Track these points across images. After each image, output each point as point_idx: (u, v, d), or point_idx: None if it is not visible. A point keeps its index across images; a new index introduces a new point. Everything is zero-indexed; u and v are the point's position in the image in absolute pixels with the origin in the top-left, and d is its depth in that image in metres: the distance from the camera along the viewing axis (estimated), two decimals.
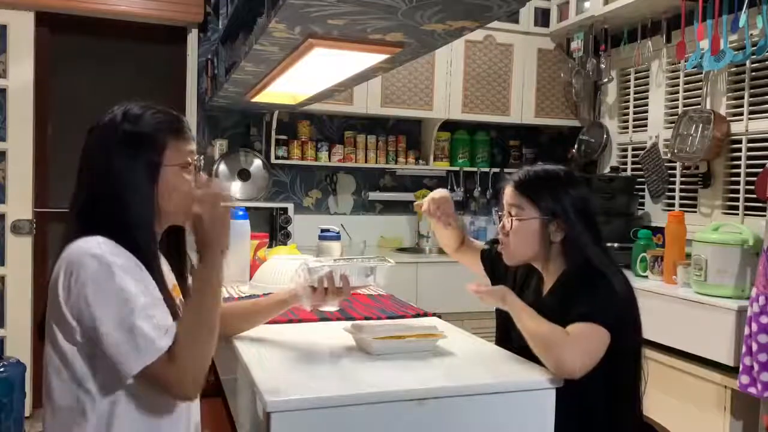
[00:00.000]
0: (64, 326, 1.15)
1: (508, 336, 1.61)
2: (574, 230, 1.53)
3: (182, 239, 1.38)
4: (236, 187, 3.75)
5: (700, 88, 3.18)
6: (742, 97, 3.00)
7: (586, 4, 3.67)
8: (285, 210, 3.61)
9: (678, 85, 3.37)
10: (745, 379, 2.24)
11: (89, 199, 1.22)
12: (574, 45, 3.81)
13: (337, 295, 1.48)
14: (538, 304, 1.57)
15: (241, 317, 1.58)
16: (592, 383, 1.36)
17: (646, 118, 3.60)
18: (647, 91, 3.59)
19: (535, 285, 1.66)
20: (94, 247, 1.14)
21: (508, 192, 1.60)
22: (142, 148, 1.23)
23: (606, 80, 3.78)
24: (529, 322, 1.44)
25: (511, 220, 1.56)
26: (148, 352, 1.11)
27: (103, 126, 1.25)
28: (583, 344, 1.36)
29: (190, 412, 1.29)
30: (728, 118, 3.03)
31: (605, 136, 3.85)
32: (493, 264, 1.85)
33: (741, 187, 2.98)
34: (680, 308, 2.59)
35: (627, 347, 1.46)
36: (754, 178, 2.79)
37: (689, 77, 3.29)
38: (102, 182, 1.22)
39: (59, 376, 1.17)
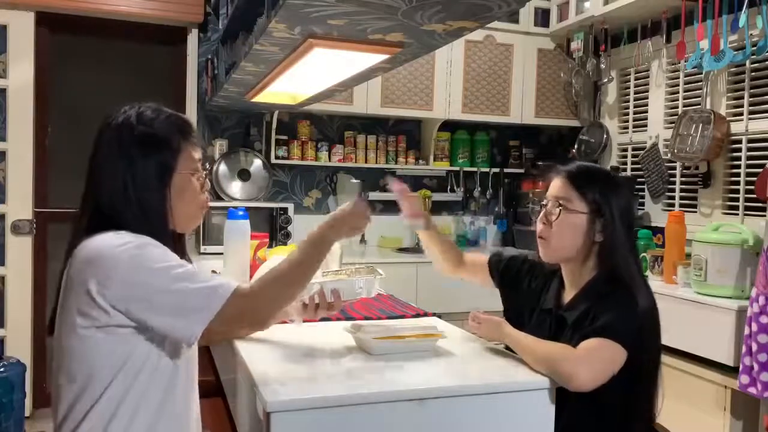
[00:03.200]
0: (92, 317, 1.15)
1: None
2: (616, 232, 1.49)
3: (181, 246, 1.38)
4: (236, 187, 3.76)
5: (700, 88, 3.18)
6: (742, 97, 3.00)
7: (586, 4, 3.67)
8: (285, 210, 3.61)
9: (678, 85, 3.37)
10: (745, 379, 2.24)
11: (102, 200, 1.23)
12: (574, 45, 3.80)
13: (328, 309, 1.49)
14: (557, 314, 1.56)
15: None
16: (607, 395, 1.36)
17: (646, 118, 3.59)
18: (647, 91, 3.59)
19: (555, 292, 1.61)
20: (120, 239, 1.17)
21: (558, 183, 1.54)
22: (157, 150, 1.24)
23: (606, 80, 3.78)
24: (531, 344, 1.43)
25: (559, 210, 1.51)
26: (217, 296, 1.16)
27: (117, 126, 1.25)
28: (594, 359, 1.35)
29: (191, 408, 1.30)
30: (728, 118, 3.03)
31: (605, 136, 3.85)
32: (503, 274, 1.79)
33: (741, 187, 2.98)
34: (680, 308, 2.59)
35: (644, 363, 1.44)
36: (754, 178, 2.79)
37: (689, 77, 3.29)
38: (115, 183, 1.22)
39: (71, 368, 1.17)
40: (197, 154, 1.31)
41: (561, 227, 1.51)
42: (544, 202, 1.57)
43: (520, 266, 1.75)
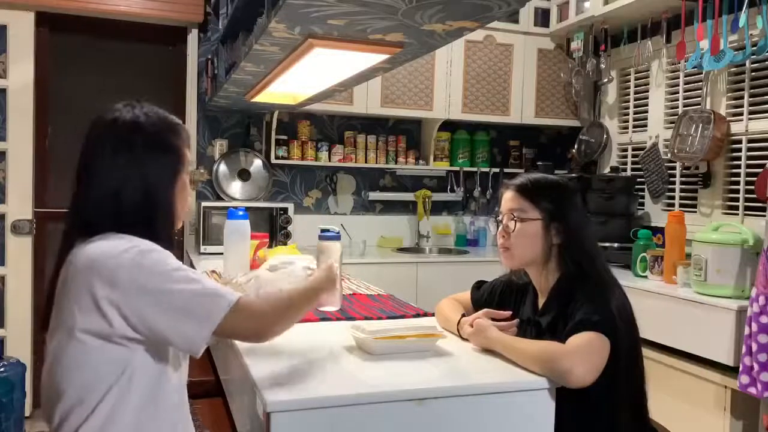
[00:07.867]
0: (92, 324, 1.13)
1: None
2: (573, 232, 1.56)
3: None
4: (236, 187, 3.76)
5: (700, 88, 3.18)
6: (742, 97, 3.00)
7: (586, 4, 3.67)
8: (285, 210, 3.61)
9: (678, 85, 3.37)
10: (745, 379, 2.24)
11: (103, 202, 1.22)
12: (574, 45, 3.80)
13: None
14: (534, 320, 1.61)
15: None
16: (594, 387, 1.37)
17: (646, 118, 3.59)
18: (647, 91, 3.59)
19: (531, 301, 1.67)
20: (124, 244, 1.16)
21: (509, 196, 1.63)
22: (169, 152, 1.27)
23: (606, 80, 3.78)
24: (523, 346, 1.45)
25: (515, 222, 1.58)
26: (228, 295, 1.18)
27: (120, 126, 1.24)
28: (585, 352, 1.37)
29: (184, 415, 1.30)
30: (728, 118, 3.03)
31: (605, 136, 3.85)
32: (486, 305, 1.76)
33: (741, 187, 2.98)
34: (680, 308, 2.58)
35: (626, 352, 1.47)
36: (754, 178, 2.79)
37: (689, 77, 3.29)
38: (121, 184, 1.21)
39: (67, 376, 1.16)
40: (190, 154, 1.34)
41: (520, 236, 1.58)
42: (499, 218, 1.65)
43: (497, 289, 1.79)
